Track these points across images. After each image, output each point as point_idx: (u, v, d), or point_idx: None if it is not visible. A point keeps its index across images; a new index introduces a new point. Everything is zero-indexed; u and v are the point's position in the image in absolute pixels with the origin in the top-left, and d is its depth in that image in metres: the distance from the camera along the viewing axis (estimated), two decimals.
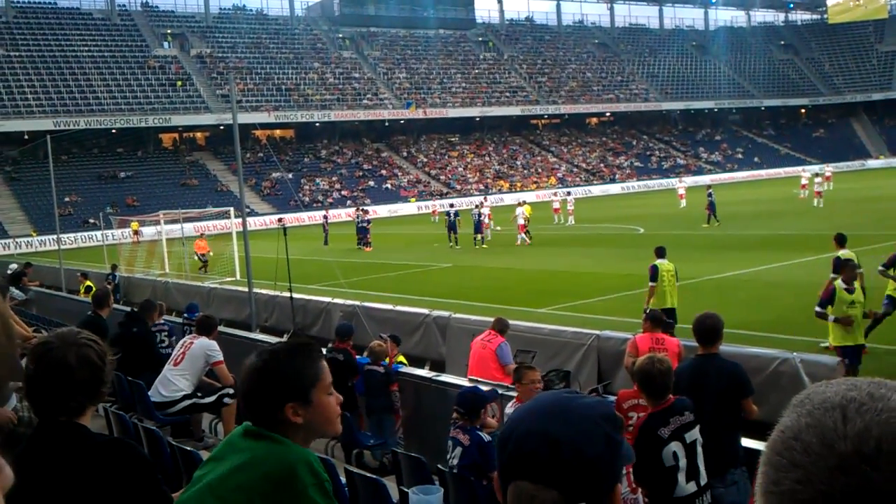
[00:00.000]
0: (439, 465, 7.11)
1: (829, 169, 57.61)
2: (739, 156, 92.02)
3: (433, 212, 53.57)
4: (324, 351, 11.40)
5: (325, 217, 44.82)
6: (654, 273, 14.34)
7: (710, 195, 37.13)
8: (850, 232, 14.58)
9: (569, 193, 49.74)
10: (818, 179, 43.05)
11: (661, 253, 14.70)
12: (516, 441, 1.41)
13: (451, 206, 39.88)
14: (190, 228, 41.88)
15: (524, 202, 38.27)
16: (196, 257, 33.56)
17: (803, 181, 42.28)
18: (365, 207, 46.46)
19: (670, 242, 30.49)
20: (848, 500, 0.88)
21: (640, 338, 9.77)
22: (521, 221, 34.81)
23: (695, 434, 5.48)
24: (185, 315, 14.91)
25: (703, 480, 5.46)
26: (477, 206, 37.13)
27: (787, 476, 0.92)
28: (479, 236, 35.17)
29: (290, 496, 2.37)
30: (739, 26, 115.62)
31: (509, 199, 66.73)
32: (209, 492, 2.47)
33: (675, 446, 5.34)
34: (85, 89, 67.85)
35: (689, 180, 57.26)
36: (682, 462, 5.32)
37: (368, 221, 39.13)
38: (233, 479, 2.43)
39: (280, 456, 2.42)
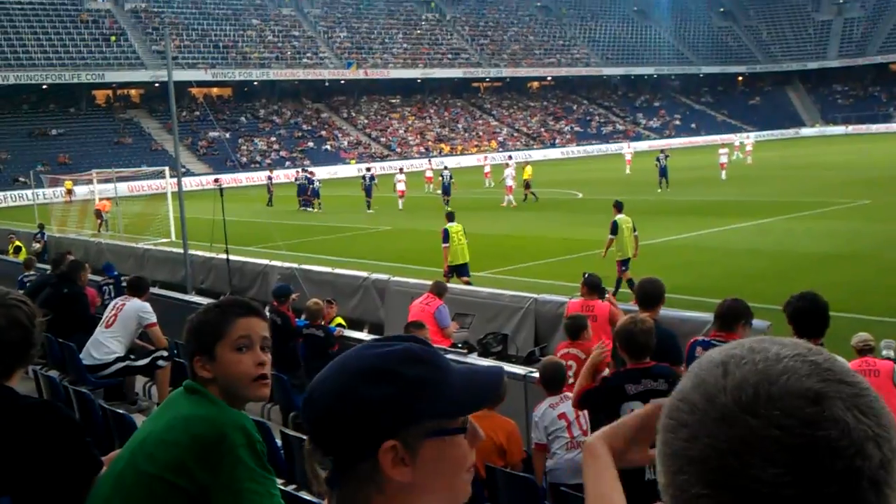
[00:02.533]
0: None
1: (737, 139, 58.04)
2: (677, 122, 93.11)
3: (427, 178, 45.95)
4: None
5: (269, 178, 44.29)
6: (614, 227, 15.82)
7: (658, 159, 37.88)
8: (778, 199, 14.90)
9: (510, 157, 49.89)
10: (723, 150, 41.22)
11: (619, 207, 16.27)
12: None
13: (368, 169, 40.01)
14: (123, 188, 41.06)
15: (526, 162, 38.96)
16: (101, 220, 33.15)
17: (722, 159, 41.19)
18: (309, 168, 45.99)
19: (606, 207, 30.92)
20: (732, 449, 0.90)
21: (572, 303, 9.94)
22: (509, 182, 34.70)
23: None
24: (105, 274, 14.73)
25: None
26: (446, 168, 37.36)
27: (677, 436, 0.95)
28: (445, 198, 34.65)
29: (218, 456, 2.37)
30: None
31: (449, 162, 66.69)
32: (140, 448, 2.50)
33: (635, 405, 5.34)
34: (14, 43, 65.66)
35: (634, 146, 57.54)
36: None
37: (318, 181, 39.16)
38: (165, 436, 2.45)
39: (210, 416, 2.44)
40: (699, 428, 0.93)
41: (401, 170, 39.99)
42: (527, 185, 35.95)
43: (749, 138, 55.23)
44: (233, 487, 2.35)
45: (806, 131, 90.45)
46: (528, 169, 36.84)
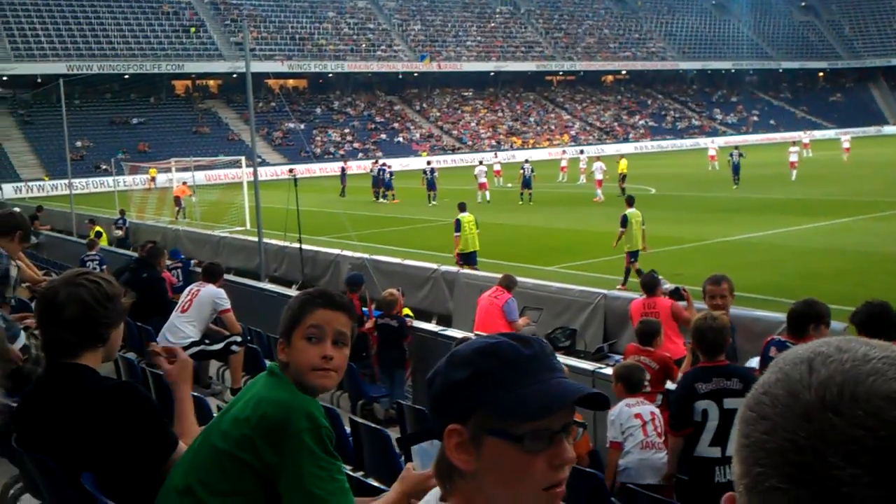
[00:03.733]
0: None
1: (806, 137, 57.06)
2: (755, 118, 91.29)
3: (496, 172, 44.12)
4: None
5: (343, 168, 44.68)
6: (624, 220, 17.09)
7: (731, 155, 37.29)
8: (863, 198, 14.50)
9: (581, 152, 49.58)
10: (793, 149, 39.83)
11: (630, 202, 17.84)
12: None
13: (429, 163, 40.07)
14: (201, 176, 41.91)
15: (621, 156, 38.45)
16: (180, 207, 33.72)
17: (792, 157, 40.14)
18: (384, 160, 46.34)
19: (681, 204, 30.63)
20: (812, 445, 0.89)
21: (635, 303, 9.87)
22: (598, 176, 34.35)
23: (737, 403, 5.45)
24: (173, 259, 15.12)
25: (731, 453, 5.42)
26: (527, 161, 37.17)
27: (756, 428, 0.94)
28: (526, 191, 34.62)
29: (283, 439, 2.43)
30: None
31: (521, 155, 66.52)
32: (216, 426, 2.61)
33: (706, 404, 5.30)
34: (98, 33, 67.53)
35: (708, 141, 56.56)
36: (712, 423, 5.28)
37: (391, 174, 39.56)
38: (238, 414, 2.54)
39: (280, 399, 2.50)
40: (780, 421, 0.93)
41: (480, 162, 39.86)
42: (622, 179, 35.51)
43: (846, 136, 53.56)
44: (296, 470, 2.41)
45: (889, 129, 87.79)
46: (624, 162, 36.20)
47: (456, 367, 1.41)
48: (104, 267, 15.45)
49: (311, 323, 2.58)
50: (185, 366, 3.21)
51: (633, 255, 16.87)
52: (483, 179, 36.02)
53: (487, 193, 35.62)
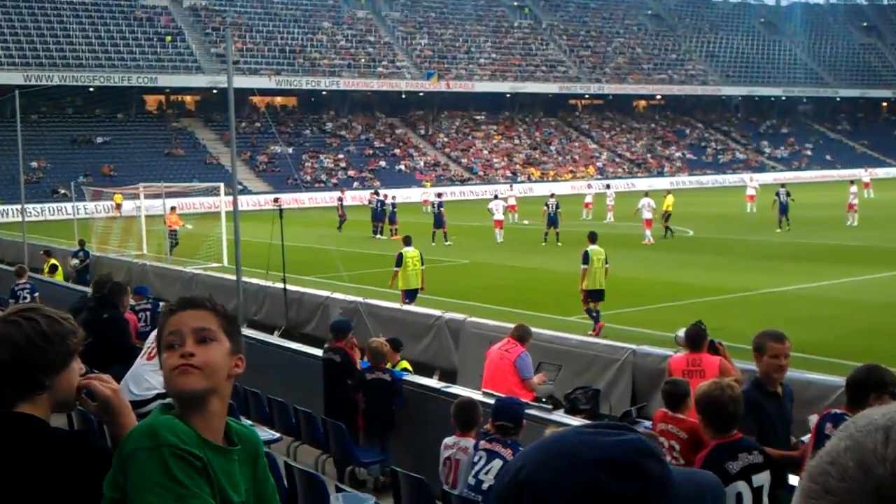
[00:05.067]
0: (445, 488, 7.15)
1: (866, 175, 57.22)
2: (808, 152, 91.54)
3: (424, 201, 53.60)
4: (319, 350, 11.39)
5: (341, 199, 44.74)
6: (586, 257, 18.22)
7: (778, 194, 37.49)
8: None
9: (608, 187, 49.72)
10: (853, 189, 39.60)
11: (593, 238, 18.94)
12: (499, 477, 1.40)
13: (439, 195, 40.34)
14: (173, 204, 42.02)
15: (668, 191, 38.48)
16: (167, 235, 33.69)
17: (854, 187, 39.97)
18: (382, 191, 46.58)
19: (723, 248, 30.65)
20: None
21: (675, 359, 9.80)
22: (647, 215, 34.29)
23: (763, 479, 5.43)
24: (140, 297, 15.08)
25: None
26: (552, 196, 37.12)
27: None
28: (552, 230, 34.49)
29: (126, 461, 2.45)
30: (816, 3, 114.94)
31: (540, 189, 66.70)
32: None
33: (741, 486, 5.29)
34: (61, 40, 68.23)
35: (758, 178, 56.68)
36: None
37: (394, 206, 39.91)
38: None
39: (144, 422, 2.58)
40: (847, 498, 0.91)
41: (496, 195, 39.96)
42: (666, 218, 35.57)
43: (864, 174, 53.74)
44: (132, 496, 2.40)
45: None
46: (670, 199, 36.17)
47: (622, 476, 1.29)
48: (35, 295, 16.07)
49: (167, 331, 2.65)
50: (110, 402, 3.05)
51: (591, 294, 18.15)
52: (500, 216, 36.07)
53: (502, 233, 35.66)
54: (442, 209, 36.68)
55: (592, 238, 19.01)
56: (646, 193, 36.69)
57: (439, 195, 40.46)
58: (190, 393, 2.59)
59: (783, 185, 39.75)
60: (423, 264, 19.69)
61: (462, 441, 7.48)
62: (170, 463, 2.41)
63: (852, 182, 40.76)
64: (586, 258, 18.25)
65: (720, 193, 65.20)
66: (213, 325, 2.67)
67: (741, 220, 42.00)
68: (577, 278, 18.71)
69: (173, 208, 35.68)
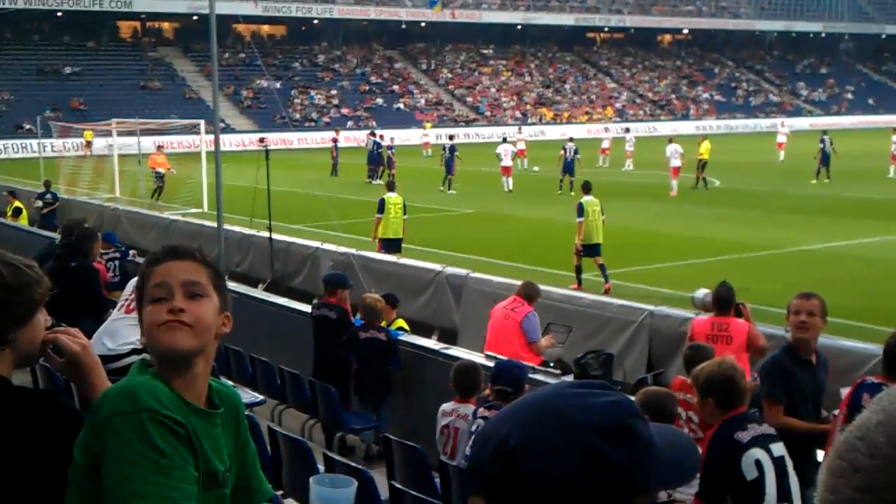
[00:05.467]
0: (443, 458, 7.22)
1: None
2: (849, 95, 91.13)
3: (424, 144, 54.41)
4: (308, 307, 11.44)
5: (335, 140, 44.55)
6: (580, 209, 18.12)
7: (822, 142, 37.40)
8: None
9: (627, 130, 49.50)
10: None
11: (587, 188, 18.96)
12: (478, 443, 1.42)
13: (451, 138, 40.29)
14: (149, 143, 41.92)
15: (704, 136, 38.13)
16: (153, 177, 33.64)
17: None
18: (379, 131, 46.39)
19: (752, 201, 30.61)
20: None
21: (699, 322, 9.82)
22: (675, 163, 33.96)
23: (781, 449, 5.50)
24: (110, 245, 14.97)
25: None
26: (571, 140, 36.92)
27: (847, 482, 0.93)
28: (567, 178, 34.37)
29: (97, 426, 2.43)
30: None
31: (552, 132, 66.48)
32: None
33: (757, 453, 5.33)
34: None
35: (789, 124, 56.40)
36: (770, 475, 5.33)
37: (391, 149, 39.91)
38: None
39: (121, 384, 2.54)
40: (877, 476, 0.91)
41: (504, 139, 39.84)
42: (702, 167, 35.39)
43: None
44: (108, 465, 2.38)
45: None
46: (706, 145, 35.89)
47: (619, 441, 1.35)
48: None
49: (153, 283, 2.61)
50: (78, 357, 3.02)
51: (590, 249, 18.22)
52: (508, 162, 35.92)
53: (510, 180, 35.61)
54: (456, 153, 36.66)
55: (586, 188, 19.13)
56: (670, 140, 36.48)
57: (451, 137, 40.36)
58: (178, 352, 2.56)
59: (825, 132, 39.58)
60: (405, 213, 19.58)
61: (461, 408, 7.55)
62: (150, 429, 2.38)
63: (895, 129, 40.56)
64: (581, 210, 18.25)
65: (751, 139, 64.96)
66: (203, 278, 2.65)
67: (772, 170, 41.89)
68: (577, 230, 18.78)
69: (160, 147, 35.60)
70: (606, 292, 16.93)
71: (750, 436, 5.37)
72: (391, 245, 19.14)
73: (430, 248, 21.77)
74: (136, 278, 9.04)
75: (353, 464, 6.54)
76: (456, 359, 9.25)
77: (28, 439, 2.84)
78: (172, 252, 2.68)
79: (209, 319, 2.62)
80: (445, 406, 7.73)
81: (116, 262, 14.50)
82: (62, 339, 3.04)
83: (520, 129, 53.91)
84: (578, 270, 18.32)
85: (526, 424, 1.36)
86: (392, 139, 42.03)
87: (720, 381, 5.54)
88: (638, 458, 1.35)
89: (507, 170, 35.77)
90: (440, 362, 9.84)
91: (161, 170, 33.65)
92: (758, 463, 5.32)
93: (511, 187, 35.17)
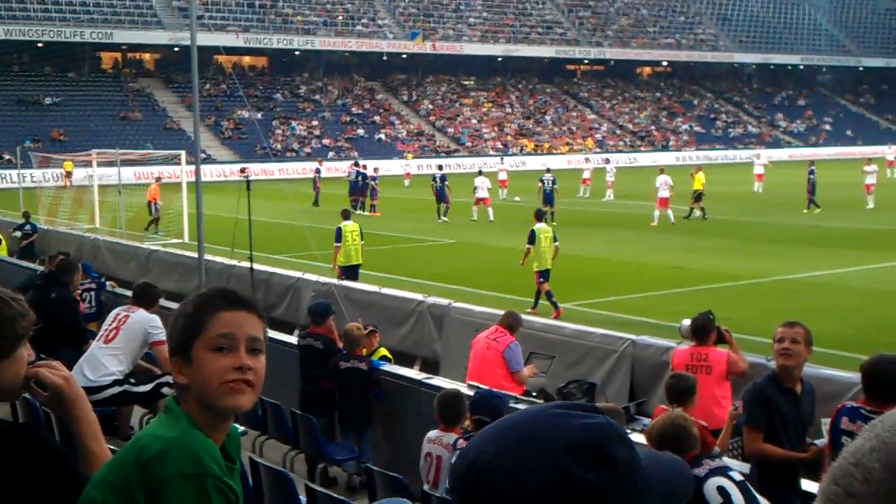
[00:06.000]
0: (426, 489, 7.19)
1: (891, 152, 57.48)
2: (827, 127, 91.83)
3: (406, 174, 55.15)
4: (293, 337, 11.40)
5: (318, 170, 44.65)
6: (532, 236, 18.98)
7: (811, 173, 37.51)
8: None
9: (608, 161, 49.76)
10: (869, 168, 39.06)
11: (539, 216, 20.05)
12: (456, 461, 1.42)
13: (440, 168, 40.52)
14: (129, 173, 41.83)
15: (698, 168, 38.44)
16: (150, 209, 33.33)
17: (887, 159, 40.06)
18: (362, 161, 46.46)
19: (733, 231, 30.75)
20: None
21: (679, 351, 9.84)
22: (664, 193, 34.02)
23: (740, 476, 5.60)
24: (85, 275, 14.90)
25: None
26: (548, 171, 37.04)
27: None
28: (548, 209, 33.62)
29: (156, 483, 2.39)
30: None
31: (533, 162, 66.69)
32: (100, 474, 2.57)
33: (718, 480, 5.41)
34: None
35: (767, 155, 56.87)
36: (737, 496, 5.38)
37: (375, 179, 40.00)
38: (118, 458, 2.53)
39: (164, 435, 2.47)
40: (872, 502, 0.91)
41: (480, 171, 39.98)
42: (697, 198, 35.50)
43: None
44: None
45: None
46: (700, 176, 36.10)
47: (590, 463, 1.32)
48: None
49: (218, 331, 2.54)
50: (61, 390, 2.98)
51: (543, 274, 18.79)
52: (483, 193, 35.98)
53: (490, 210, 35.68)
54: (446, 183, 36.75)
55: (538, 216, 20.04)
56: (661, 170, 36.61)
57: (440, 167, 40.53)
58: (240, 411, 2.57)
59: (812, 163, 39.83)
60: (362, 239, 20.44)
61: (445, 436, 7.54)
62: (212, 497, 2.39)
63: (869, 160, 40.72)
64: (532, 237, 18.97)
65: (730, 170, 65.30)
66: (262, 333, 2.63)
67: (751, 201, 42.10)
68: (571, 261, 18.91)
69: (158, 179, 35.45)
70: (532, 311, 17.61)
71: (706, 469, 5.46)
72: (349, 271, 19.87)
73: (412, 278, 21.79)
74: (117, 309, 8.96)
75: (336, 495, 6.50)
76: (438, 389, 9.23)
77: (7, 473, 2.80)
78: (239, 302, 2.62)
79: (263, 377, 2.60)
80: (431, 433, 7.74)
81: (92, 293, 14.43)
82: (44, 373, 3.00)
83: (502, 159, 54.13)
84: (550, 295, 18.71)
85: (497, 443, 1.35)
86: (376, 169, 42.08)
87: (672, 433, 5.61)
88: (613, 481, 1.32)
89: (483, 200, 35.84)
90: (422, 392, 9.81)
91: (155, 202, 33.46)
92: (720, 489, 5.39)
93: (492, 218, 35.24)
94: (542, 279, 18.79)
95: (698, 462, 5.51)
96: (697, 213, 35.16)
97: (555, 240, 19.24)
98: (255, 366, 2.56)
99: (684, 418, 5.79)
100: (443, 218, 35.62)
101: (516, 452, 1.33)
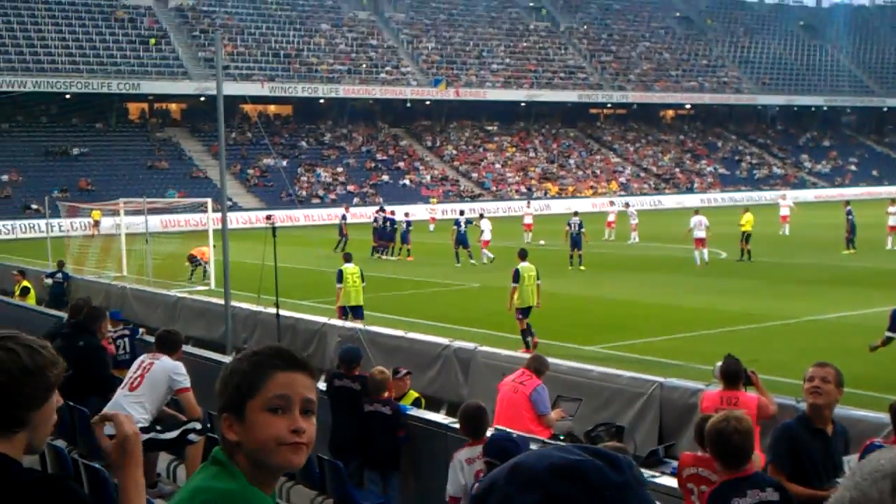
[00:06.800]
0: None
1: None
2: (853, 167, 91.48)
3: (431, 219, 55.25)
4: (321, 382, 11.40)
5: (344, 217, 44.54)
6: (517, 275, 19.59)
7: (849, 213, 37.32)
8: None
9: (627, 205, 49.54)
10: (892, 209, 38.61)
11: (523, 255, 20.60)
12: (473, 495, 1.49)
13: (462, 213, 40.68)
14: (156, 222, 42.12)
15: (746, 208, 38.53)
16: (195, 265, 32.96)
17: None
18: (389, 207, 46.48)
19: (760, 272, 30.61)
20: None
21: (709, 394, 9.78)
22: (699, 234, 34.09)
23: None
24: (116, 323, 15.07)
25: None
26: (576, 214, 37.17)
27: None
28: (576, 252, 34.47)
29: None
30: (861, 4, 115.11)
31: (557, 206, 66.70)
32: None
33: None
34: (36, 42, 68.52)
35: (793, 196, 56.67)
36: None
37: (409, 223, 40.32)
38: None
39: (222, 490, 2.49)
40: None
41: (481, 215, 40.12)
42: (745, 239, 35.43)
43: None
44: None
45: None
46: (749, 217, 36.14)
47: (522, 487, 1.39)
48: None
49: (274, 392, 2.56)
50: (129, 441, 3.05)
51: (524, 312, 19.44)
52: (488, 236, 36.35)
53: (487, 252, 36.01)
54: (469, 226, 37.06)
55: (522, 255, 20.68)
56: (696, 211, 36.57)
57: (462, 213, 40.67)
58: (294, 470, 2.63)
59: (849, 203, 39.61)
60: (363, 281, 21.17)
61: (476, 449, 7.73)
62: None
63: (893, 201, 40.48)
64: (517, 276, 19.60)
65: (756, 212, 64.99)
66: (315, 395, 2.67)
67: (778, 242, 41.92)
68: (597, 303, 18.85)
69: (215, 247, 35.02)
70: (534, 347, 18.11)
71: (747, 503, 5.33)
72: (354, 311, 20.76)
73: (438, 322, 21.76)
74: (141, 357, 9.01)
75: None
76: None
77: None
78: (295, 363, 2.65)
79: (314, 436, 2.64)
80: (461, 454, 7.92)
81: (126, 340, 14.50)
82: (121, 419, 3.03)
83: (528, 203, 54.11)
84: (524, 334, 19.34)
85: (502, 472, 1.44)
86: (407, 213, 41.99)
87: (710, 434, 5.51)
88: (600, 497, 1.38)
89: (486, 243, 36.27)
90: (449, 437, 9.75)
91: (203, 260, 32.95)
92: None
93: (485, 261, 35.47)
94: (521, 316, 19.40)
95: (741, 490, 5.40)
96: (747, 256, 34.97)
97: (538, 278, 19.89)
98: (308, 428, 2.59)
99: (739, 422, 5.63)
100: (472, 260, 35.64)
101: (510, 480, 1.41)
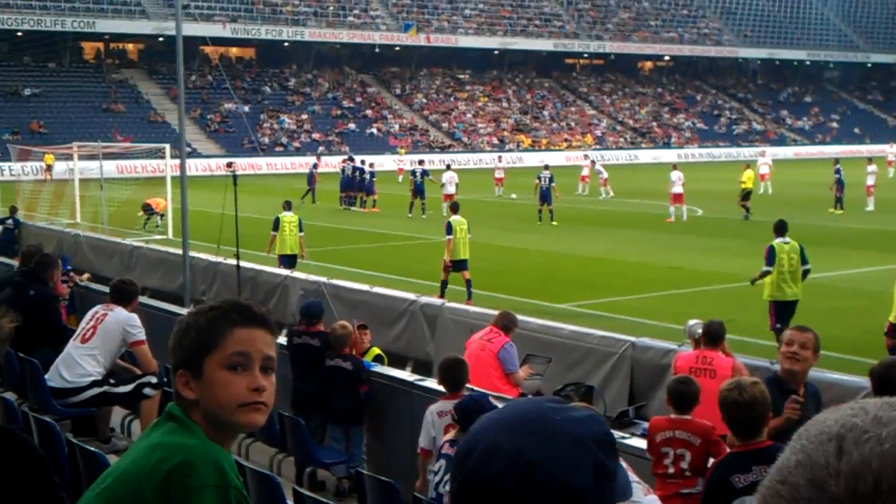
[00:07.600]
0: (416, 494, 7.17)
1: (892, 152, 57.56)
2: (834, 124, 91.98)
3: (398, 170, 54.37)
4: (282, 337, 11.41)
5: (315, 165, 44.34)
6: (449, 228, 20.18)
7: (837, 171, 37.32)
8: None
9: (593, 163, 49.14)
10: (871, 168, 38.72)
11: (454, 208, 21.40)
12: (480, 457, 1.40)
13: (420, 162, 40.80)
14: (111, 167, 41.75)
15: (746, 164, 38.36)
16: (149, 214, 32.53)
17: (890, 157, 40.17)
18: (354, 156, 46.31)
19: (736, 231, 30.74)
20: None
21: (683, 355, 9.87)
22: (677, 189, 34.09)
23: None
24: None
25: None
26: (546, 168, 36.95)
27: None
28: (545, 207, 34.39)
29: (181, 494, 2.41)
30: None
31: (530, 158, 66.67)
32: (102, 484, 2.56)
33: (749, 501, 5.18)
34: None
35: (771, 153, 56.78)
36: None
37: (373, 174, 40.15)
38: (127, 468, 2.53)
39: (181, 445, 2.49)
40: None
41: (448, 166, 39.88)
42: (746, 196, 35.48)
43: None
44: None
45: None
46: (749, 174, 36.21)
47: (613, 454, 1.45)
48: None
49: (234, 349, 2.55)
50: None
51: (458, 264, 20.04)
52: (451, 189, 35.83)
53: (445, 205, 35.85)
54: (428, 177, 36.84)
55: (454, 208, 21.47)
56: (674, 166, 36.56)
57: (421, 162, 40.54)
58: (254, 429, 2.65)
59: (838, 161, 39.63)
60: (301, 230, 21.37)
61: (453, 403, 7.75)
62: None
63: (870, 160, 40.52)
64: (449, 229, 20.16)
65: (734, 168, 65.29)
66: (274, 351, 2.66)
67: (754, 200, 42.14)
68: (569, 260, 18.86)
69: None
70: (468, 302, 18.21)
71: (748, 481, 5.20)
72: (288, 261, 20.91)
73: (404, 277, 21.77)
74: (96, 307, 8.92)
75: (324, 499, 6.48)
76: (431, 391, 9.22)
77: None
78: (255, 318, 2.63)
79: (274, 394, 2.64)
80: (436, 406, 8.09)
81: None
82: None
83: (500, 158, 54.00)
84: (444, 284, 19.91)
85: (539, 438, 1.39)
86: (372, 164, 41.88)
87: (722, 403, 5.46)
88: (618, 468, 1.44)
89: (449, 196, 35.81)
90: (414, 394, 9.79)
91: (156, 209, 32.46)
92: None
93: (423, 215, 35.66)
94: (452, 269, 19.98)
95: (746, 465, 5.28)
96: (744, 212, 35.00)
97: (469, 231, 20.62)
98: (268, 387, 2.59)
99: (743, 387, 5.46)
100: (422, 215, 35.52)
101: (564, 447, 1.39)
